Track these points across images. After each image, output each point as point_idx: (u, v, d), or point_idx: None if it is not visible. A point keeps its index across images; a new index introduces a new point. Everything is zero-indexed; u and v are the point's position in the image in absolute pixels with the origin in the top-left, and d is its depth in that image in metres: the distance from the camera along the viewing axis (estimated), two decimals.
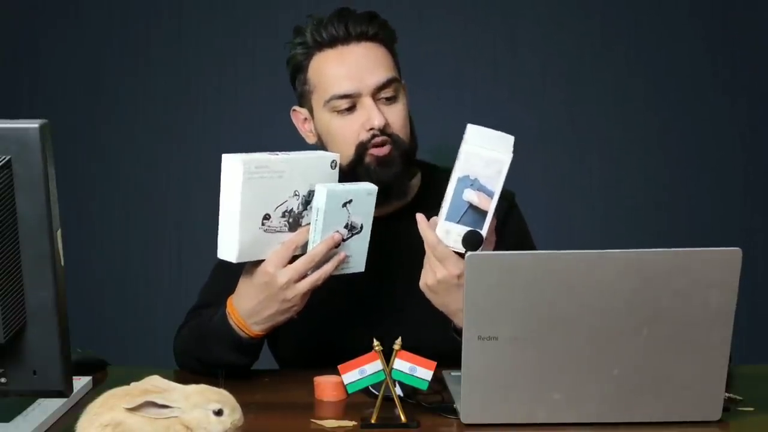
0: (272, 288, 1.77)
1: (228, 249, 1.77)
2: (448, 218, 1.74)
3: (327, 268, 1.78)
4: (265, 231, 1.77)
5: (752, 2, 3.33)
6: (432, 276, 1.75)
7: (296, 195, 1.78)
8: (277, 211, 1.77)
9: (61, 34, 3.38)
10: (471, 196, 1.74)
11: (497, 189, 1.75)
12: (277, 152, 1.79)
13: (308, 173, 1.79)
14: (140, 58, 3.38)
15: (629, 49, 3.33)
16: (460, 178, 1.74)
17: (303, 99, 1.99)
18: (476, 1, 3.34)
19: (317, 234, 1.78)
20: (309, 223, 1.79)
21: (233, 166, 1.73)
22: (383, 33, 1.95)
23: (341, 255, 1.79)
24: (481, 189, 1.74)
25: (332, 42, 1.92)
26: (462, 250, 1.73)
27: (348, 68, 1.91)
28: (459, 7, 3.33)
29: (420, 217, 1.75)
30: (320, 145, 1.97)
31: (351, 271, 1.83)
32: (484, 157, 1.74)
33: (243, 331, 1.83)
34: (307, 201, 1.80)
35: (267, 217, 1.77)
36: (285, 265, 1.77)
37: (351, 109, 1.92)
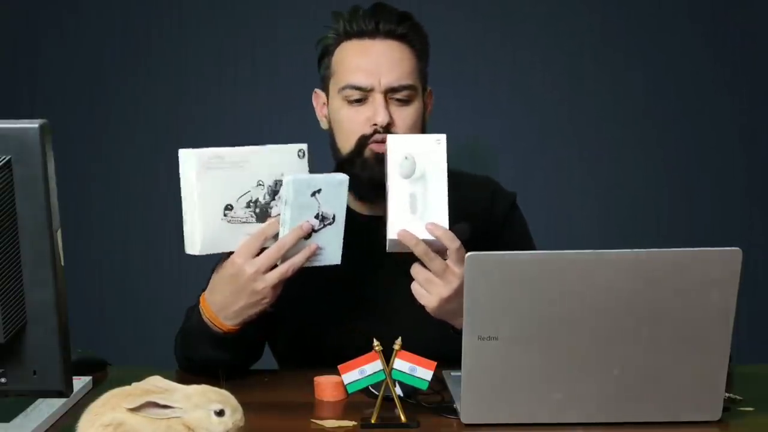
0: (240, 279, 1.76)
1: (191, 243, 1.78)
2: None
3: (297, 260, 1.77)
4: (228, 222, 1.78)
5: (752, 2, 3.33)
6: (449, 288, 1.74)
7: (260, 185, 1.80)
8: (240, 201, 1.78)
9: (61, 34, 3.38)
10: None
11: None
12: (246, 147, 1.82)
13: (273, 163, 1.81)
14: (140, 58, 3.38)
15: (629, 48, 3.33)
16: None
17: (324, 83, 2.02)
18: (476, 1, 3.33)
19: (286, 225, 1.77)
20: (279, 214, 1.79)
21: (188, 159, 1.77)
22: (413, 35, 1.96)
23: (312, 246, 1.78)
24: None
25: (360, 34, 1.96)
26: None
27: (368, 62, 1.94)
28: (458, 7, 3.33)
29: (433, 225, 1.74)
30: (330, 132, 2.00)
31: (325, 263, 1.82)
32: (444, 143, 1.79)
33: (216, 326, 1.82)
34: (275, 191, 1.80)
35: (229, 207, 1.78)
36: (254, 256, 1.76)
37: (361, 101, 1.94)
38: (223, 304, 1.80)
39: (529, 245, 2.08)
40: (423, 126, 1.99)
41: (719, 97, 3.33)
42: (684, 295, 1.54)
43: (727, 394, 1.63)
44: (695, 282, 1.54)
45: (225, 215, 1.78)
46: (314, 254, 1.79)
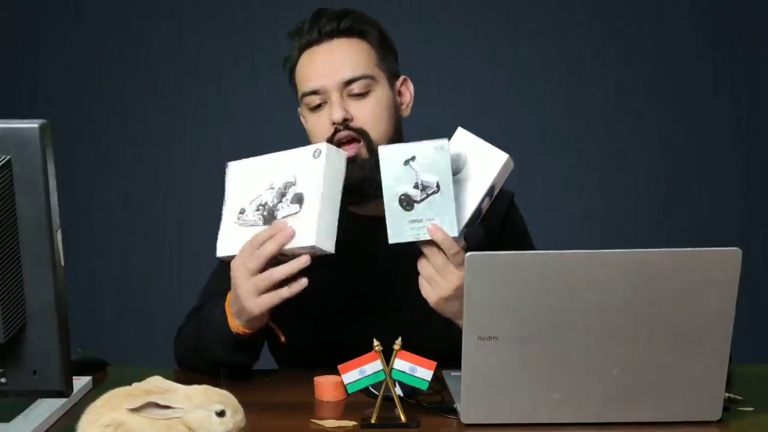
0: (236, 288, 1.78)
1: (217, 245, 1.85)
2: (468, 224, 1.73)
3: (282, 292, 1.75)
4: (240, 225, 1.81)
5: (752, 2, 3.33)
6: (449, 286, 1.73)
7: (271, 188, 1.80)
8: (252, 204, 1.81)
9: (61, 34, 3.38)
10: (486, 203, 1.75)
11: (497, 189, 1.77)
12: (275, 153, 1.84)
13: (288, 166, 1.80)
14: (140, 58, 3.38)
15: (629, 49, 3.33)
16: (489, 187, 1.73)
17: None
18: (476, 1, 3.34)
19: (386, 193, 1.70)
20: (285, 216, 1.76)
21: (228, 171, 1.85)
22: (361, 27, 1.97)
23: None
24: (491, 194, 1.75)
25: (308, 45, 1.97)
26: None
27: (317, 65, 1.96)
28: (459, 7, 3.33)
29: (435, 227, 1.70)
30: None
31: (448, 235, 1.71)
32: (508, 165, 1.75)
33: (230, 327, 1.83)
34: (283, 194, 1.79)
35: (242, 211, 1.82)
36: (250, 262, 1.75)
37: (321, 106, 1.95)
38: (232, 302, 1.82)
39: (528, 244, 2.08)
40: (396, 115, 1.99)
41: (719, 97, 3.33)
42: (684, 295, 1.54)
43: (727, 394, 1.63)
44: (695, 282, 1.54)
45: (238, 218, 1.82)
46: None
